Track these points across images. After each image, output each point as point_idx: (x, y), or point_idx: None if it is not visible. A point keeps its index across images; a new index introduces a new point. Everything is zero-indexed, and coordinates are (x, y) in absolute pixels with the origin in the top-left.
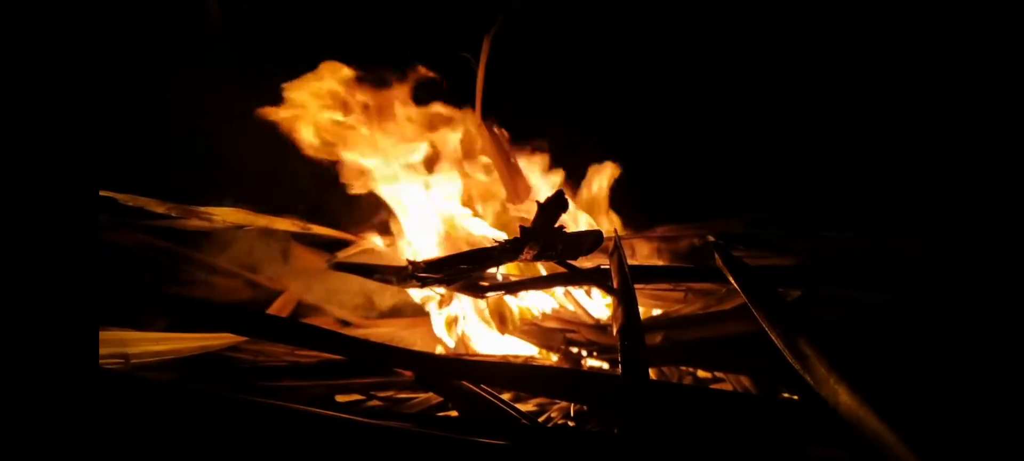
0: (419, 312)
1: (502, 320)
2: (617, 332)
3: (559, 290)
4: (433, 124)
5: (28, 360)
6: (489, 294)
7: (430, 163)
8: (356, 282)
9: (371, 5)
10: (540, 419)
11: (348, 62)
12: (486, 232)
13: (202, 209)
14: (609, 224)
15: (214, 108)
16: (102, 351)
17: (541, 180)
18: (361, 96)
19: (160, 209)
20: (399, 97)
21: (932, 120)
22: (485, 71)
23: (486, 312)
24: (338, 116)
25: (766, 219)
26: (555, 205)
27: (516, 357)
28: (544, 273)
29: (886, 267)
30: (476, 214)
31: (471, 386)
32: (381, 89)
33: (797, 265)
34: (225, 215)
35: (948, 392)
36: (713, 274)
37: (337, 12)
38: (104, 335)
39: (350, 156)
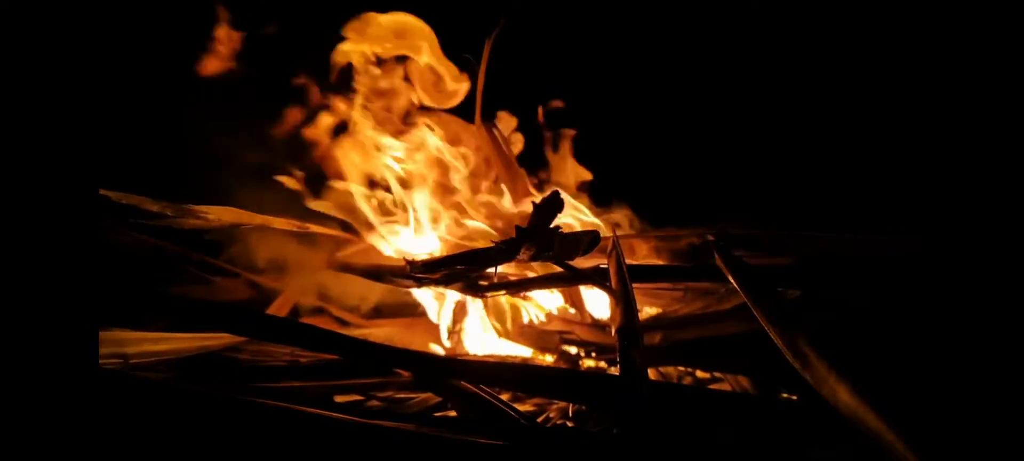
0: (418, 312)
1: (500, 321)
2: (616, 332)
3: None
4: (433, 124)
5: (28, 360)
6: (488, 294)
7: (431, 163)
8: (355, 282)
9: (373, 6)
10: (538, 419)
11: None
12: (485, 232)
13: (199, 208)
14: None
15: (214, 107)
16: (101, 351)
17: (540, 180)
18: (361, 96)
19: (156, 208)
20: (400, 97)
21: (931, 121)
22: (486, 72)
23: (484, 313)
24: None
25: (766, 219)
26: (551, 205)
27: (514, 357)
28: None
29: (885, 267)
30: (476, 214)
31: (470, 386)
32: (382, 89)
33: (796, 265)
34: (222, 214)
35: (948, 391)
36: (712, 274)
37: (337, 10)
38: (103, 335)
39: (349, 156)
